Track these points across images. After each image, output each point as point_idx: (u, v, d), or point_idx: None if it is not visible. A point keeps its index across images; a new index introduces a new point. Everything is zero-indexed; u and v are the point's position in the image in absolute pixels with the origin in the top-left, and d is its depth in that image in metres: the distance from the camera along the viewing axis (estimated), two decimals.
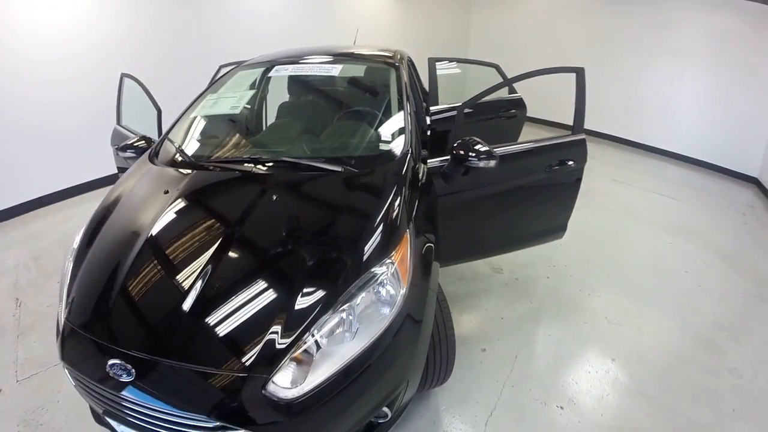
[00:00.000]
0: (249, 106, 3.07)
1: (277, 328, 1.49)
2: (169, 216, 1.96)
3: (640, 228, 4.66)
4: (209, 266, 1.66)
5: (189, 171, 2.23)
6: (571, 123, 2.81)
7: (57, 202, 5.07)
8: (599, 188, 5.48)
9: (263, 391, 1.41)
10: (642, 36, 7.26)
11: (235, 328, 1.52)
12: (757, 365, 2.82)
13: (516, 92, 4.31)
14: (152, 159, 2.41)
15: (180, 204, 2.03)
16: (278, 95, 3.56)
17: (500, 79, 4.19)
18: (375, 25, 7.46)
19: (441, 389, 2.50)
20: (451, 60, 4.31)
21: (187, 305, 1.56)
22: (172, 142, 2.51)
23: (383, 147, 2.41)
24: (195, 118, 2.74)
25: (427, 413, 2.36)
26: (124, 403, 1.53)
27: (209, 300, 1.58)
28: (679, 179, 6.36)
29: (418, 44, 7.66)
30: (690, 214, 5.12)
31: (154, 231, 1.87)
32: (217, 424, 1.41)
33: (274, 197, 2.01)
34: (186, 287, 1.62)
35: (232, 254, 1.74)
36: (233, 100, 2.75)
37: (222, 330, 1.52)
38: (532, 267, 3.79)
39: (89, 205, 4.69)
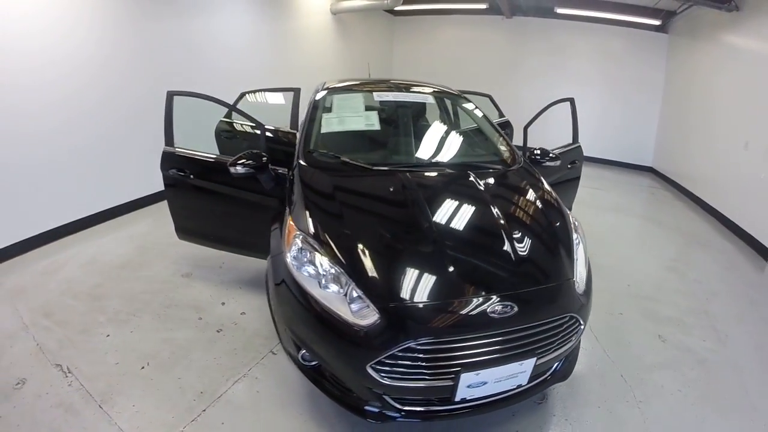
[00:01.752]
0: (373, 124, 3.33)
1: (565, 253, 2.30)
2: (431, 201, 2.44)
3: (589, 210, 6.11)
4: (502, 226, 2.32)
5: (391, 171, 2.70)
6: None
7: (32, 249, 4.04)
8: None
9: (575, 288, 2.18)
10: (545, 61, 8.97)
11: (551, 258, 2.29)
12: (708, 277, 4.28)
13: (504, 116, 5.44)
14: (314, 167, 2.70)
15: (426, 193, 2.53)
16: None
17: (492, 107, 5.38)
18: (325, 58, 8.60)
19: None
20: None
21: (508, 250, 2.19)
22: (333, 153, 2.84)
23: (505, 153, 3.22)
24: (329, 133, 3.11)
25: None
26: (498, 339, 1.90)
27: (521, 245, 2.25)
28: (597, 175, 8.15)
29: (356, 72, 8.95)
30: (617, 198, 6.82)
31: (433, 212, 2.36)
32: (569, 315, 2.05)
33: (481, 184, 2.68)
34: (499, 239, 2.25)
35: (506, 216, 2.40)
36: (362, 118, 3.18)
37: (543, 260, 2.29)
38: None
39: (77, 248, 4.11)
